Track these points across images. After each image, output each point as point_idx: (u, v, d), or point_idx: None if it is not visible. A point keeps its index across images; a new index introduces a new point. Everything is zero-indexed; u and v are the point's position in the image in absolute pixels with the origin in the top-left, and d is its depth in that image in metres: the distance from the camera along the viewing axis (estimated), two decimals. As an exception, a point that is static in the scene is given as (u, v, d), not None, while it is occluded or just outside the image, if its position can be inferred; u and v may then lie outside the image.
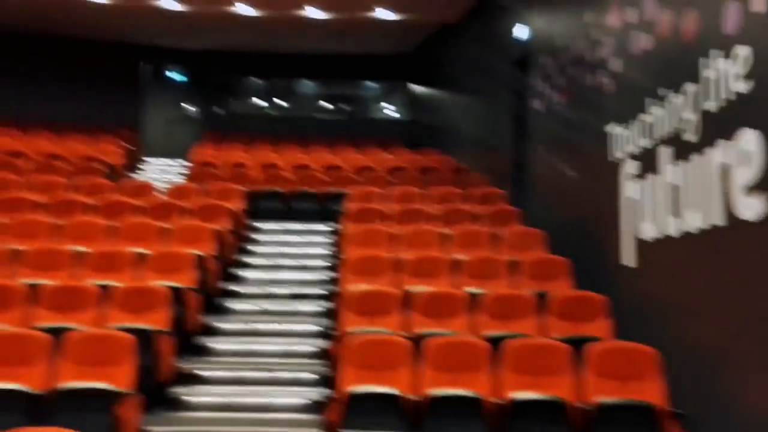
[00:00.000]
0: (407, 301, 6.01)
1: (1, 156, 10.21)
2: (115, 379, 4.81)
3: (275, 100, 17.85)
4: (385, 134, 14.84)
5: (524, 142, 8.90)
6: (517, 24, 9.29)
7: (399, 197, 9.38)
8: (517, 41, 9.24)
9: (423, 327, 5.69)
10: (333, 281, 7.70)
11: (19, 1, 12.03)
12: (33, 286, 5.83)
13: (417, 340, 5.22)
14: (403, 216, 8.50)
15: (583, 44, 7.12)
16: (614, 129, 6.25)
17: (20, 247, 6.66)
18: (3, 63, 13.83)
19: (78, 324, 5.46)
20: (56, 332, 5.05)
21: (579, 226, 7.11)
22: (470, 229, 7.98)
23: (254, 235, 9.28)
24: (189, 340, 6.39)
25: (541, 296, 5.99)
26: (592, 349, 5.01)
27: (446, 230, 7.84)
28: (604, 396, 4.65)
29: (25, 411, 4.40)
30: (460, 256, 6.95)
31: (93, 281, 6.14)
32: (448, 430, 4.46)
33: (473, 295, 6.02)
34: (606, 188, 6.31)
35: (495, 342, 5.12)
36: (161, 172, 12.52)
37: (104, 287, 5.96)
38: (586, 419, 4.53)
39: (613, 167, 6.21)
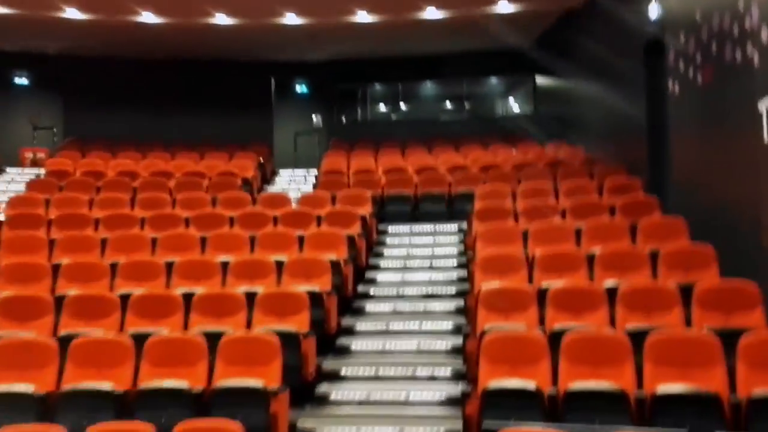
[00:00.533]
0: (542, 297, 5.97)
1: (151, 177, 11.13)
2: (266, 377, 5.14)
3: (399, 104, 18.14)
4: (511, 130, 14.68)
5: (661, 128, 8.52)
6: (647, 2, 8.79)
7: (528, 193, 9.25)
8: (649, 21, 8.79)
9: (559, 322, 5.63)
10: (463, 280, 7.79)
11: (160, 30, 13.02)
12: (187, 295, 6.34)
13: (553, 336, 5.20)
14: (533, 212, 8.38)
15: (726, 16, 6.64)
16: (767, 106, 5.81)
17: (173, 260, 7.24)
18: (148, 89, 15.04)
19: (229, 327, 5.89)
20: (210, 336, 5.48)
21: (725, 212, 6.72)
22: (605, 221, 7.76)
23: (385, 238, 9.52)
24: (329, 340, 6.69)
25: (686, 287, 5.73)
26: (744, 340, 4.79)
27: (579, 224, 7.66)
28: (759, 389, 4.42)
29: (190, 406, 4.82)
30: (596, 250, 6.78)
31: (239, 288, 6.58)
32: (589, 423, 4.40)
33: (611, 290, 5.88)
34: (759, 170, 5.89)
35: (637, 336, 5.00)
36: (293, 183, 13.09)
37: (250, 294, 6.36)
38: (738, 413, 4.36)
39: (766, 148, 5.79)
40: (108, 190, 10.29)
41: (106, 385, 5.02)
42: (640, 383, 4.86)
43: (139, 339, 5.48)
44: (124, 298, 6.31)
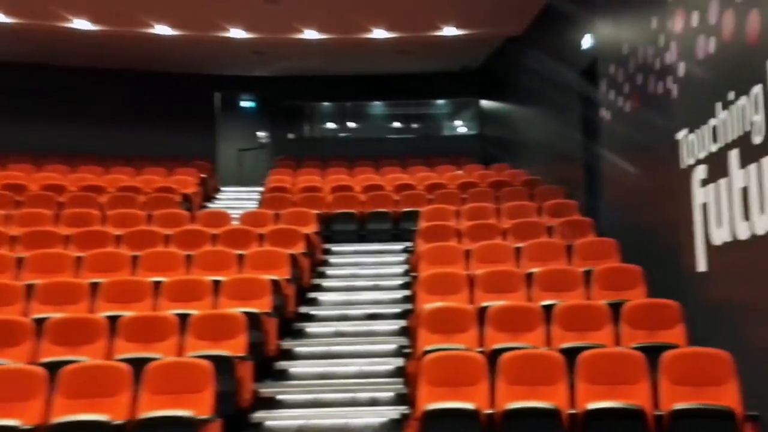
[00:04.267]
0: (482, 316, 5.97)
1: (80, 192, 10.59)
2: (196, 406, 4.84)
3: (347, 122, 18.01)
4: (456, 151, 14.75)
5: (595, 152, 8.86)
6: (582, 33, 9.25)
7: (471, 213, 9.31)
8: (584, 50, 9.22)
9: (498, 342, 5.66)
10: (408, 300, 7.64)
11: (95, 38, 12.53)
12: (113, 318, 5.96)
13: (493, 356, 5.21)
14: (475, 232, 8.43)
15: (650, 51, 7.07)
16: (684, 135, 6.17)
17: (100, 280, 6.82)
18: (81, 99, 14.43)
19: (158, 353, 5.55)
20: (137, 363, 5.13)
21: (651, 234, 7.07)
22: (543, 242, 7.93)
23: (329, 258, 9.31)
24: (267, 364, 6.43)
25: (616, 306, 5.92)
26: (666, 356, 4.96)
27: (519, 244, 7.78)
28: (681, 403, 4.59)
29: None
30: (534, 269, 6.91)
31: (172, 311, 6.23)
32: None
33: (547, 308, 5.97)
34: (677, 194, 6.25)
35: (570, 353, 5.10)
36: (236, 200, 12.75)
37: (183, 316, 6.03)
38: (663, 427, 4.49)
39: (684, 173, 6.13)
40: (30, 206, 9.68)
41: (12, 422, 4.58)
42: (574, 401, 4.92)
43: (55, 368, 5.04)
44: (39, 323, 5.87)
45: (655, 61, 6.91)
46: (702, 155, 5.84)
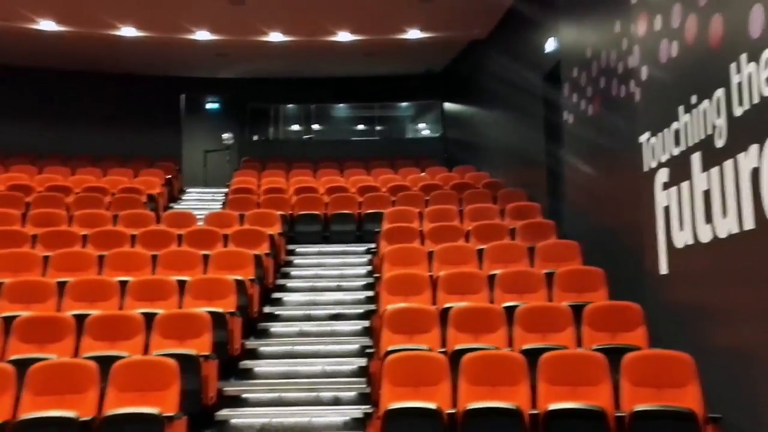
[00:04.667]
0: (444, 317, 6.05)
1: (47, 192, 10.58)
2: (162, 403, 4.94)
3: (312, 124, 18.10)
4: (420, 153, 14.93)
5: (558, 155, 8.91)
6: (546, 36, 9.30)
7: (434, 215, 9.43)
8: (547, 53, 9.26)
9: (460, 342, 5.73)
10: (371, 300, 7.79)
11: (61, 39, 12.47)
12: (80, 317, 6.03)
13: (455, 356, 5.27)
14: (438, 233, 8.53)
15: (613, 54, 7.11)
16: (647, 138, 6.24)
17: (67, 279, 6.88)
18: (48, 100, 14.35)
19: (124, 352, 5.63)
20: (103, 360, 5.22)
21: (613, 236, 7.11)
22: (505, 244, 8.00)
23: (293, 259, 9.42)
24: (232, 363, 6.52)
25: (578, 308, 5.99)
26: (628, 358, 5.02)
27: (482, 246, 7.86)
28: (642, 404, 4.63)
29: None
30: (496, 271, 6.99)
31: (137, 310, 6.31)
32: None
33: (509, 309, 6.05)
34: (640, 197, 6.29)
35: (532, 355, 5.16)
36: (201, 201, 12.79)
37: (148, 315, 6.12)
38: (624, 428, 4.54)
39: (647, 176, 6.19)
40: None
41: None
42: (535, 401, 4.99)
43: (23, 365, 5.12)
44: (7, 321, 5.93)
45: (618, 64, 6.93)
46: (664, 158, 5.84)
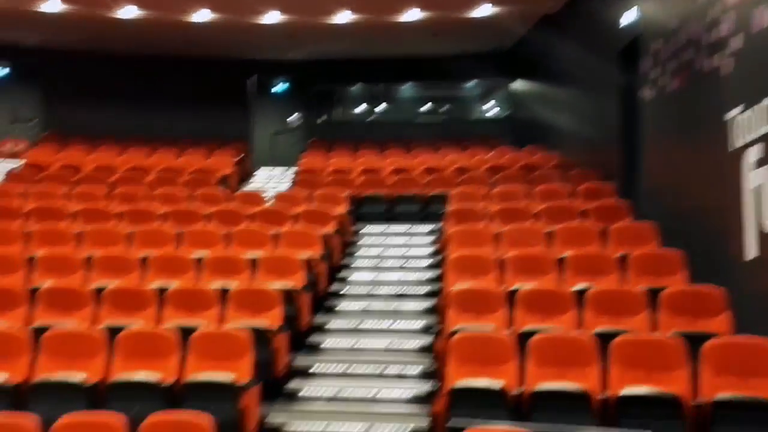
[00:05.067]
0: (511, 298, 6.06)
1: (129, 172, 11.16)
2: (237, 372, 5.24)
3: (377, 105, 18.25)
4: (486, 133, 14.83)
5: (634, 134, 8.60)
6: (622, 9, 8.92)
7: (501, 196, 9.37)
8: (624, 27, 8.88)
9: (527, 323, 5.73)
10: (435, 280, 7.92)
11: (140, 25, 13.00)
12: (161, 290, 6.42)
13: (522, 337, 5.28)
14: (505, 215, 8.49)
15: (699, 25, 6.69)
16: (736, 114, 5.86)
17: (148, 254, 7.30)
18: (131, 84, 15.02)
19: (202, 322, 5.99)
20: (183, 331, 5.58)
21: (693, 219, 6.77)
22: (576, 226, 7.83)
23: (359, 238, 9.61)
24: (301, 337, 6.78)
25: (654, 292, 5.78)
26: (709, 344, 4.85)
27: (551, 227, 7.75)
28: (723, 393, 4.49)
29: (161, 399, 4.92)
30: (566, 253, 6.86)
31: (213, 284, 6.66)
32: (554, 423, 4.49)
33: (580, 292, 5.97)
34: (724, 178, 5.97)
35: (604, 339, 5.08)
36: (270, 181, 13.16)
37: (223, 289, 6.45)
38: (702, 416, 4.44)
39: (733, 155, 5.85)
40: (85, 184, 10.29)
41: (78, 377, 5.10)
42: (606, 385, 4.93)
43: (113, 332, 5.55)
44: (98, 291, 6.38)
45: (706, 35, 6.51)
46: (756, 135, 5.46)
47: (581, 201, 8.85)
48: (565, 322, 5.83)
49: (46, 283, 6.59)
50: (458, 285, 6.44)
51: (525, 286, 6.18)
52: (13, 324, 6.00)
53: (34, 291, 6.42)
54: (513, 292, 6.12)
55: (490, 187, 9.88)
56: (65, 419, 4.34)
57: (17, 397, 5.02)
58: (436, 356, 6.12)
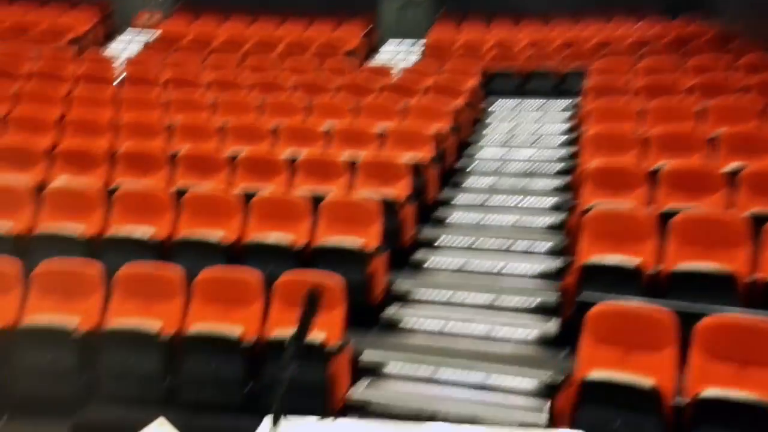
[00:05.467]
0: (653, 177, 5.75)
1: (259, 42, 11.21)
2: (365, 239, 5.30)
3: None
4: (636, 2, 13.62)
5: None
6: None
7: (648, 70, 8.73)
8: None
9: (670, 203, 5.42)
10: (568, 158, 7.59)
11: None
12: (292, 159, 6.52)
13: (664, 217, 5.01)
14: (651, 90, 7.92)
15: None
16: None
17: (279, 123, 7.40)
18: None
19: (332, 188, 6.07)
20: (313, 197, 5.67)
21: None
22: (733, 102, 7.20)
23: (489, 113, 9.31)
24: (428, 210, 6.74)
25: None
26: None
27: (704, 103, 7.16)
28: None
29: (293, 260, 5.08)
30: (718, 131, 6.36)
31: (341, 154, 6.67)
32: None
33: (733, 173, 5.57)
34: None
35: (758, 222, 4.75)
36: (399, 54, 12.86)
37: (351, 161, 6.45)
38: None
39: None
40: (217, 54, 10.46)
41: (216, 235, 5.33)
42: (757, 269, 4.63)
43: (247, 196, 5.73)
44: (233, 158, 6.56)
45: None
46: None
47: (742, 75, 8.11)
48: (714, 203, 5.47)
49: (184, 148, 6.83)
50: (595, 162, 6.13)
51: (668, 164, 5.81)
52: (156, 185, 6.31)
53: (173, 156, 6.68)
54: (655, 171, 5.78)
55: (635, 61, 9.19)
56: (207, 272, 4.55)
57: (162, 250, 5.36)
58: (567, 233, 5.94)
